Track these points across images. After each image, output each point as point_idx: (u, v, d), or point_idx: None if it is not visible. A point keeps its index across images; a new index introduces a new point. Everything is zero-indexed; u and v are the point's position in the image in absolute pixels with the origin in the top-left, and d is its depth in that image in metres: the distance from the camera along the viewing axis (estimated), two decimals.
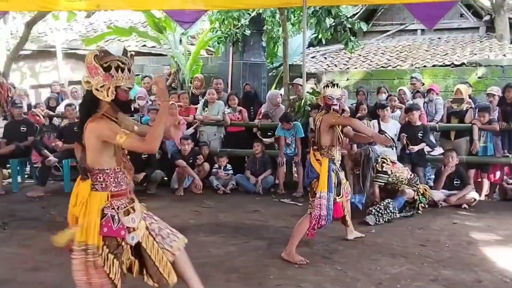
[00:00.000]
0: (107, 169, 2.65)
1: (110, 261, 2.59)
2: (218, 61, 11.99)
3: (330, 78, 12.26)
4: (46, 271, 4.03)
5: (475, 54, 12.33)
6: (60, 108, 8.82)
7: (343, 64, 13.43)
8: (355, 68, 12.87)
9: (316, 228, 4.30)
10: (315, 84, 12.31)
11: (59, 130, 8.16)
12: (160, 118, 2.61)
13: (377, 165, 6.12)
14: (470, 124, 7.21)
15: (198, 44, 11.20)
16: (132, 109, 2.82)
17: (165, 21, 10.70)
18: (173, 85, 10.72)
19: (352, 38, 9.97)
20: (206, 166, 7.69)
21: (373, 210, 5.77)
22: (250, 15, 10.53)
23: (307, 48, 11.77)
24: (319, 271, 4.08)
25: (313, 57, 14.39)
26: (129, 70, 2.63)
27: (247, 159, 8.17)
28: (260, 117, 8.09)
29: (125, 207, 2.68)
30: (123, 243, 2.65)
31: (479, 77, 10.96)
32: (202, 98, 8.83)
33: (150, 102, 8.89)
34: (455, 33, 15.05)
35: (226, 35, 10.63)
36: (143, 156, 7.34)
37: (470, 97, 7.88)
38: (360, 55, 13.71)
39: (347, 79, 12.10)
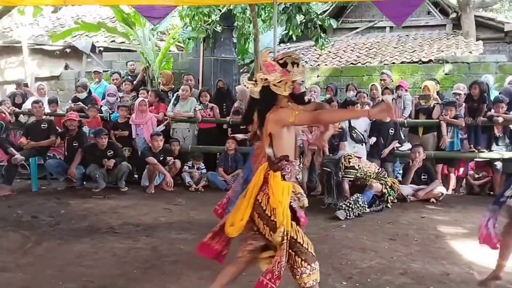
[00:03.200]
0: (294, 161, 2.83)
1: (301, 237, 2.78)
2: (188, 57, 11.90)
3: None
4: (14, 272, 3.93)
5: (442, 51, 12.56)
6: (27, 105, 8.60)
7: (314, 60, 13.50)
8: (326, 64, 12.96)
9: None
10: None
11: (25, 128, 7.97)
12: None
13: (344, 162, 6.20)
14: (438, 120, 7.36)
15: (168, 40, 11.10)
16: (306, 100, 2.90)
17: (134, 16, 10.54)
18: (143, 81, 10.59)
19: (322, 35, 10.05)
20: (178, 163, 7.63)
21: (343, 205, 5.84)
22: (220, 11, 10.48)
23: (278, 44, 11.78)
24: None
25: None
26: (302, 65, 2.77)
27: (219, 156, 8.14)
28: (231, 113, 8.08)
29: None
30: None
31: (446, 74, 11.18)
32: (172, 95, 8.77)
33: (119, 99, 8.78)
34: (422, 31, 15.32)
35: (197, 32, 10.55)
36: (108, 152, 7.30)
37: (437, 93, 8.04)
38: (330, 52, 13.81)
39: (318, 76, 12.18)
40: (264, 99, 2.76)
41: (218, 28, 10.52)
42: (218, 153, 8.21)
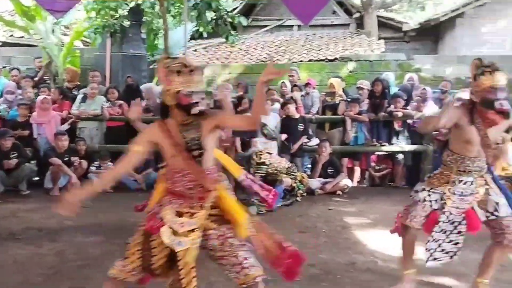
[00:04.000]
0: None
1: None
2: (95, 52, 11.44)
3: (211, 71, 12.31)
4: None
5: (347, 49, 13.12)
6: None
7: (225, 57, 13.54)
8: (236, 61, 13.04)
9: None
10: None
11: None
12: None
13: (256, 158, 6.29)
14: (343, 116, 7.68)
15: (72, 34, 10.60)
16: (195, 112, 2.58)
17: (35, 9, 9.96)
18: (45, 78, 10.03)
19: (233, 32, 10.11)
20: (84, 163, 7.32)
21: (255, 201, 5.92)
22: (128, 5, 10.19)
23: (188, 41, 11.70)
24: (203, 265, 4.06)
25: (195, 50, 14.32)
26: (192, 72, 2.50)
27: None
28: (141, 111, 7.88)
29: None
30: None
31: (350, 71, 11.68)
32: (77, 92, 8.39)
33: (19, 97, 8.26)
34: (328, 29, 15.92)
35: (104, 26, 10.18)
36: (11, 154, 6.87)
37: (342, 90, 8.38)
38: (241, 49, 13.93)
39: (229, 73, 12.24)
40: (161, 108, 2.65)
41: (126, 23, 10.22)
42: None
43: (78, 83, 9.04)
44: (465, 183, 3.15)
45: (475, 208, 3.15)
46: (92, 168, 7.44)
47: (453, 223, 3.14)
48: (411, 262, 3.44)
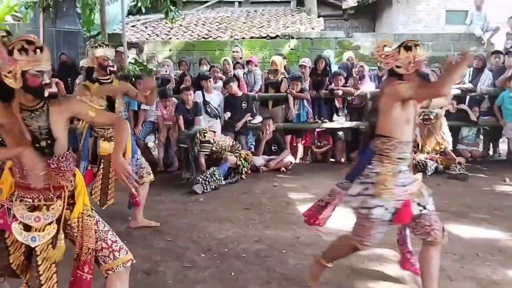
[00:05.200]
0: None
1: None
2: (27, 28, 10.85)
3: (151, 48, 12.02)
4: None
5: (288, 27, 13.18)
6: None
7: (165, 34, 13.24)
8: (177, 38, 12.80)
9: None
10: (137, 54, 11.96)
11: None
12: None
13: (200, 136, 6.25)
14: (286, 93, 7.75)
15: (2, 9, 9.99)
16: (46, 95, 2.34)
17: None
18: None
19: (172, 8, 9.87)
20: None
21: (200, 179, 5.92)
22: None
23: (126, 16, 11.31)
24: (148, 244, 4.07)
25: (133, 26, 13.89)
26: (38, 50, 2.24)
27: None
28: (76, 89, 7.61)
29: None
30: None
31: (291, 49, 11.77)
32: None
33: None
34: (269, 7, 15.90)
35: (35, 0, 9.66)
36: None
37: (284, 68, 8.44)
38: (181, 26, 13.64)
39: (170, 50, 12.00)
40: (1, 89, 2.30)
41: None
42: None
43: None
44: (404, 172, 2.86)
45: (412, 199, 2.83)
46: None
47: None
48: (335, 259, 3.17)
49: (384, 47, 3.03)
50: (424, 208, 2.86)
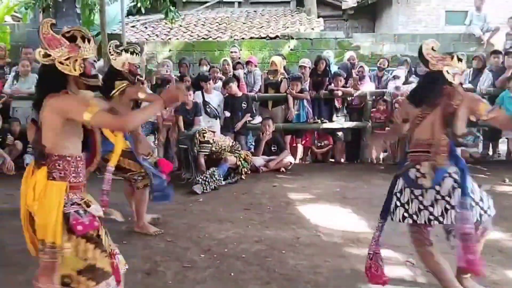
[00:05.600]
0: (69, 156, 2.31)
1: (98, 254, 2.33)
2: (26, 28, 10.85)
3: (151, 48, 12.03)
4: None
5: (287, 27, 13.19)
6: None
7: (165, 34, 13.25)
8: (177, 38, 12.81)
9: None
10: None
11: None
12: (153, 110, 2.54)
13: (199, 137, 6.25)
14: (285, 94, 7.75)
15: (1, 10, 9.99)
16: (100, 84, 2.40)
17: None
18: None
19: (172, 8, 9.88)
20: (19, 144, 7.01)
21: (200, 180, 5.92)
22: None
23: (126, 17, 11.32)
24: (148, 245, 4.07)
25: (133, 27, 13.91)
26: (94, 41, 2.30)
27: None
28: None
29: (82, 199, 2.36)
30: (99, 232, 2.37)
31: (291, 49, 11.77)
32: (8, 70, 7.96)
33: None
34: (269, 7, 15.91)
35: (35, 0, 9.65)
36: None
37: (284, 68, 8.44)
38: (181, 26, 13.67)
39: (170, 50, 12.00)
40: (49, 79, 2.33)
41: None
42: None
43: (9, 60, 8.56)
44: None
45: None
46: (29, 149, 7.13)
47: None
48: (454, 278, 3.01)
49: (433, 48, 3.02)
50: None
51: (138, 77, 4.34)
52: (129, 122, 2.38)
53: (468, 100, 2.91)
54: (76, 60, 2.27)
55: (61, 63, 2.26)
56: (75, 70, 2.27)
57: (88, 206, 2.36)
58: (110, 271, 2.36)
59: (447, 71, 2.90)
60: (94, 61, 2.16)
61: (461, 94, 2.91)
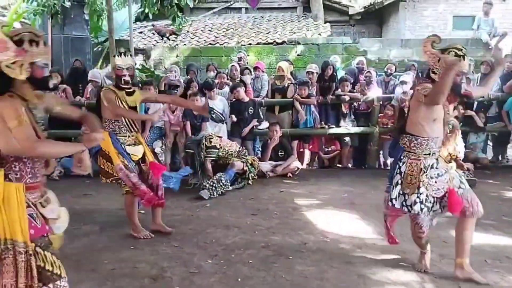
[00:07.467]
0: (25, 158, 2.32)
1: (50, 258, 2.32)
2: None
3: (159, 53, 12.09)
4: None
5: (294, 32, 13.21)
6: None
7: (172, 40, 13.33)
8: (184, 44, 12.88)
9: (145, 197, 4.28)
10: (144, 60, 12.04)
11: None
12: (71, 149, 2.65)
13: (206, 142, 6.27)
14: (292, 99, 7.75)
15: (10, 16, 10.07)
16: (51, 86, 2.40)
17: None
18: None
19: (179, 14, 9.92)
20: None
21: (207, 185, 5.92)
22: None
23: (134, 23, 11.41)
24: (155, 250, 4.07)
25: (140, 32, 14.00)
26: (44, 43, 2.28)
27: (73, 140, 7.67)
28: (88, 96, 7.66)
29: (42, 197, 2.40)
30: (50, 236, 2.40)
31: (298, 55, 11.80)
32: None
33: None
34: (276, 12, 15.95)
35: (44, 6, 9.74)
36: None
37: (291, 73, 8.44)
38: (188, 32, 13.75)
39: (177, 56, 12.07)
40: None
41: (67, 4, 9.82)
42: (73, 137, 7.74)
43: None
44: (433, 166, 3.21)
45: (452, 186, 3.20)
46: None
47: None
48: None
49: (433, 43, 3.06)
50: (459, 187, 3.21)
51: (124, 78, 4.23)
52: (37, 148, 2.30)
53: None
54: (22, 64, 2.25)
55: (7, 66, 2.23)
56: (21, 74, 2.25)
57: (44, 206, 2.40)
58: (60, 273, 2.36)
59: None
60: (46, 64, 2.10)
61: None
